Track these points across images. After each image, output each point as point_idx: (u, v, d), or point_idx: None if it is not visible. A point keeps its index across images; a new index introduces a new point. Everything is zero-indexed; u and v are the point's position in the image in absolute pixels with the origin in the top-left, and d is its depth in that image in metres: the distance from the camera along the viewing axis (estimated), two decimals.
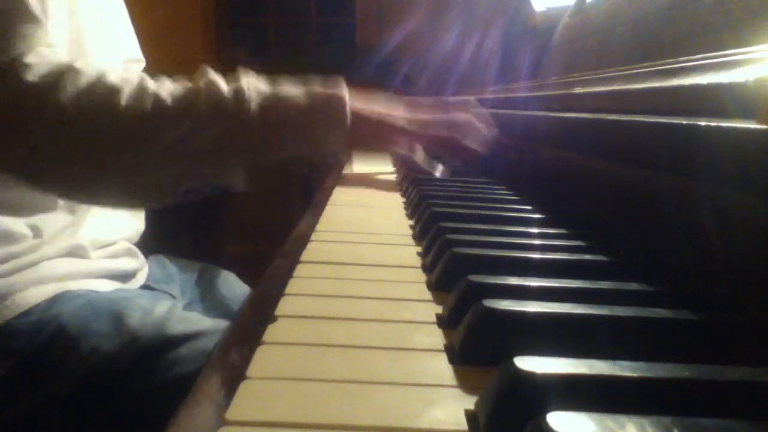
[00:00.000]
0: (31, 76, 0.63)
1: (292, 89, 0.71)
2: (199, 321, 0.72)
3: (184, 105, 0.66)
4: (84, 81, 0.64)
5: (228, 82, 0.69)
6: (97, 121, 0.64)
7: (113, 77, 0.65)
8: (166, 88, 0.67)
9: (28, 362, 0.67)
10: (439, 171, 0.87)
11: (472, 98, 0.97)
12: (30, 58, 0.63)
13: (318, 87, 0.72)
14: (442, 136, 0.80)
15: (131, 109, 0.64)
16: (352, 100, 0.73)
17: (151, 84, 0.66)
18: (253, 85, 0.69)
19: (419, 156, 0.86)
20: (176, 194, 0.72)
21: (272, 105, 0.68)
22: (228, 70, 0.72)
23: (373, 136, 0.77)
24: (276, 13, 3.27)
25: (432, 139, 0.81)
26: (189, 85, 0.68)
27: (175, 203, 0.72)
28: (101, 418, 0.66)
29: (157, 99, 0.65)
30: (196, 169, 0.68)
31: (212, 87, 0.67)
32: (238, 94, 0.67)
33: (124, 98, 0.64)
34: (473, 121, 0.83)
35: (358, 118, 0.73)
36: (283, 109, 0.68)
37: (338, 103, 0.71)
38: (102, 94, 0.64)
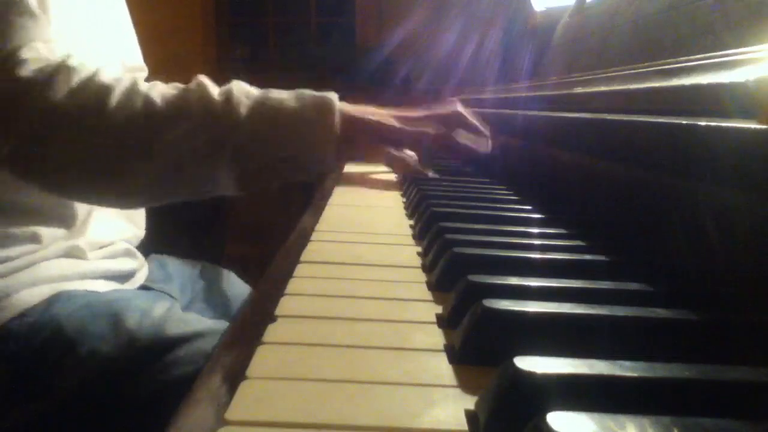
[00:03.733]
0: (24, 71, 0.63)
1: (282, 93, 0.71)
2: (197, 322, 0.72)
3: (175, 107, 0.66)
4: (76, 79, 0.64)
5: (219, 87, 0.69)
6: (87, 119, 0.65)
7: (106, 76, 0.65)
8: (158, 90, 0.67)
9: (25, 364, 0.67)
10: (432, 171, 0.87)
11: (455, 99, 0.97)
12: (24, 53, 0.63)
13: (308, 91, 0.72)
14: (437, 134, 0.80)
15: (122, 108, 0.64)
16: (342, 104, 0.73)
17: (143, 85, 0.67)
18: (243, 89, 0.69)
19: (414, 163, 0.86)
20: (167, 195, 0.72)
21: (262, 108, 0.68)
22: (228, 70, 0.72)
23: (363, 137, 0.76)
24: (276, 13, 3.27)
25: (426, 138, 0.81)
26: (180, 86, 0.68)
27: (169, 205, 0.72)
28: (100, 420, 0.66)
29: (148, 100, 0.65)
30: (185, 170, 0.68)
31: (203, 90, 0.67)
32: (228, 96, 0.67)
33: (115, 97, 0.64)
34: (462, 112, 0.83)
35: (348, 119, 0.73)
36: (273, 112, 0.69)
37: (327, 105, 0.71)
38: (93, 92, 0.64)
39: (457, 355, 0.30)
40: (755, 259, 0.33)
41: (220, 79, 0.71)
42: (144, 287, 0.88)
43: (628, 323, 0.30)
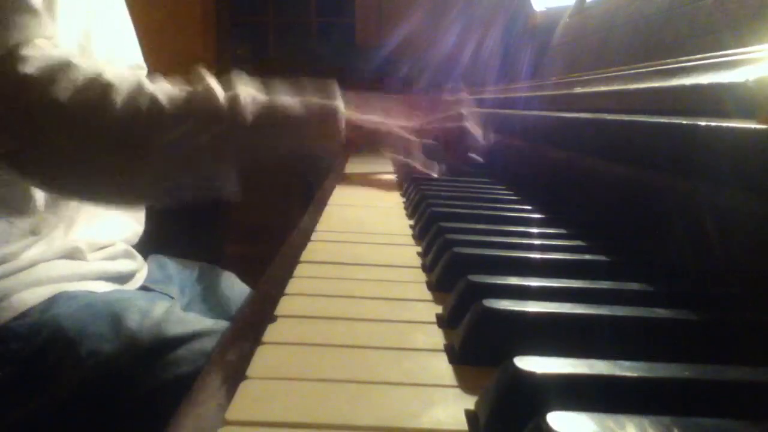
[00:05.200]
0: (28, 68, 0.62)
1: (287, 99, 0.71)
2: (197, 322, 0.72)
3: (180, 108, 0.66)
4: (80, 77, 0.64)
5: (224, 87, 0.69)
6: (91, 117, 0.64)
7: (110, 75, 0.65)
8: (164, 90, 0.67)
9: (25, 365, 0.67)
10: (436, 171, 0.87)
11: (466, 96, 0.97)
12: (27, 50, 0.63)
13: (313, 97, 0.72)
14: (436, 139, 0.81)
15: (127, 107, 0.64)
16: (348, 108, 0.73)
17: (149, 85, 0.66)
18: (249, 93, 0.69)
19: (417, 158, 0.86)
20: (167, 197, 0.72)
21: (267, 114, 0.68)
22: (228, 70, 0.72)
23: (366, 144, 0.79)
24: (276, 13, 3.27)
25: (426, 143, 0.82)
26: (187, 88, 0.68)
27: (169, 206, 0.72)
28: (100, 421, 0.66)
29: (154, 100, 0.65)
30: (186, 173, 0.68)
31: (209, 92, 0.67)
32: (234, 101, 0.67)
33: (121, 96, 0.64)
34: (467, 128, 0.84)
35: (352, 127, 0.73)
36: (278, 119, 0.69)
37: (333, 114, 0.71)
38: (98, 91, 0.64)
39: (457, 355, 0.30)
40: (755, 259, 0.33)
41: (221, 79, 0.71)
42: (144, 288, 0.88)
43: (628, 323, 0.30)
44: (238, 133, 0.67)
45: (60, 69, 0.63)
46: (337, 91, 0.74)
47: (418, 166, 0.86)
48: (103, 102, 0.64)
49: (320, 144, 0.71)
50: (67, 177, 0.69)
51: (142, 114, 0.64)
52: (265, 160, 0.70)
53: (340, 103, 0.73)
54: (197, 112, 0.66)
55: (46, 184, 0.71)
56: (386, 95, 0.82)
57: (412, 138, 0.80)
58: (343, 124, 0.71)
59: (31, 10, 0.65)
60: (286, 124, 0.69)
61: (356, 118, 0.75)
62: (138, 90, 0.65)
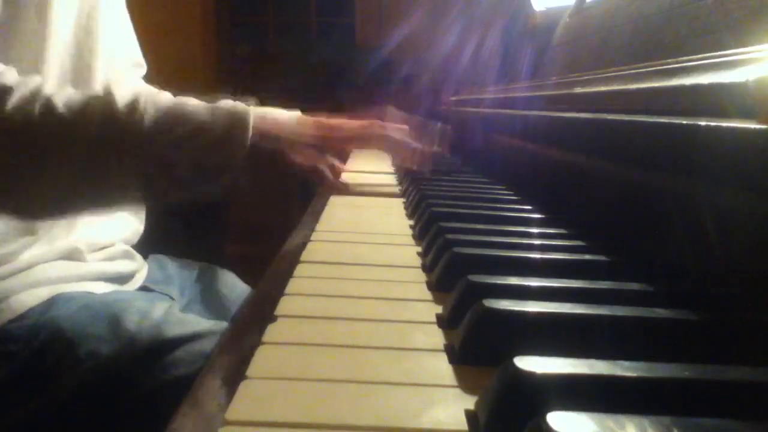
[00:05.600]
0: None
1: (194, 104, 0.69)
2: (196, 322, 0.72)
3: (75, 112, 0.63)
4: None
5: (128, 94, 0.67)
6: None
7: (9, 78, 0.63)
8: (64, 94, 0.64)
9: (25, 366, 0.67)
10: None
11: (394, 111, 0.94)
12: None
13: (223, 103, 0.70)
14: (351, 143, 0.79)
15: (18, 112, 0.62)
16: (260, 119, 0.70)
17: (49, 89, 0.64)
18: (152, 98, 0.67)
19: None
20: (69, 207, 0.70)
21: (168, 119, 0.66)
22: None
23: (275, 152, 0.73)
24: (276, 13, 3.27)
25: (342, 144, 0.80)
26: (88, 93, 0.66)
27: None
28: (99, 422, 0.66)
29: (48, 105, 0.63)
30: (83, 180, 0.65)
31: (108, 98, 0.65)
32: (132, 104, 0.65)
33: (13, 100, 0.62)
34: (389, 135, 0.81)
35: (261, 133, 0.69)
36: (179, 124, 0.66)
37: (240, 119, 0.68)
38: None
39: (457, 355, 0.30)
40: (755, 259, 0.33)
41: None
42: (143, 288, 0.88)
43: (628, 323, 0.30)
44: (134, 137, 0.65)
45: None
46: (252, 102, 0.72)
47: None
48: None
49: (227, 151, 0.68)
50: None
51: (35, 118, 0.62)
52: (173, 168, 0.67)
53: (250, 109, 0.69)
54: (93, 116, 0.64)
55: None
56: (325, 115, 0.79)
57: (322, 140, 0.76)
58: (249, 131, 0.68)
59: None
60: (189, 128, 0.67)
61: (269, 125, 0.71)
62: (34, 93, 0.63)
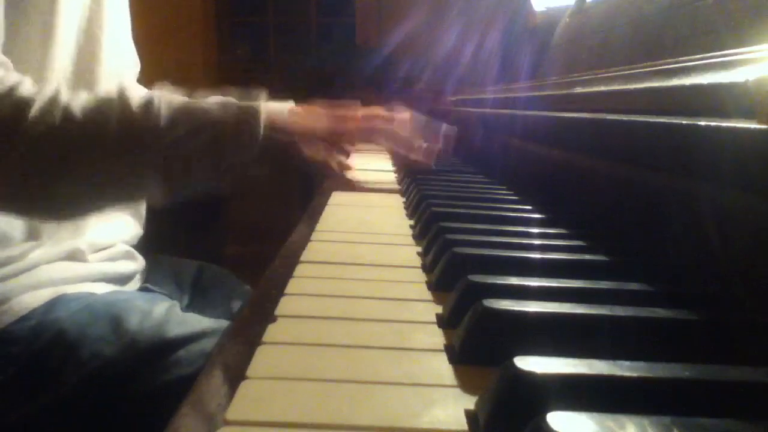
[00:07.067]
0: None
1: (206, 102, 0.70)
2: (197, 322, 0.72)
3: (93, 117, 0.64)
4: None
5: (142, 94, 0.68)
6: (3, 134, 0.62)
7: (26, 89, 0.64)
8: (79, 100, 0.65)
9: (27, 367, 0.67)
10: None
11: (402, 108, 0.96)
12: None
13: (234, 100, 0.71)
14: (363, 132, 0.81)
15: (39, 122, 0.62)
16: (270, 113, 0.71)
17: (65, 96, 0.65)
18: (166, 98, 0.68)
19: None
20: (93, 207, 0.71)
21: (182, 116, 0.67)
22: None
23: (289, 144, 0.75)
24: (276, 13, 3.27)
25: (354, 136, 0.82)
26: (103, 96, 0.67)
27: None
28: (102, 422, 0.66)
29: (67, 111, 0.63)
30: (106, 183, 0.66)
31: (122, 100, 0.66)
32: (148, 105, 0.66)
33: (34, 111, 0.62)
34: (382, 128, 0.83)
35: (273, 127, 0.71)
36: (193, 121, 0.67)
37: (252, 114, 0.69)
38: (11, 106, 0.62)
39: (457, 355, 0.30)
40: (755, 259, 0.33)
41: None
42: (144, 288, 0.88)
43: (628, 323, 0.30)
44: (152, 137, 0.65)
45: None
46: (262, 97, 0.73)
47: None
48: (15, 118, 0.62)
49: (240, 147, 0.69)
50: None
51: (56, 126, 0.63)
52: (190, 162, 0.68)
53: (261, 105, 0.71)
54: (111, 119, 0.64)
55: None
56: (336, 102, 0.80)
57: (335, 129, 0.78)
58: (261, 124, 0.69)
59: None
60: (202, 125, 0.68)
61: (281, 121, 0.73)
62: (52, 102, 0.63)
